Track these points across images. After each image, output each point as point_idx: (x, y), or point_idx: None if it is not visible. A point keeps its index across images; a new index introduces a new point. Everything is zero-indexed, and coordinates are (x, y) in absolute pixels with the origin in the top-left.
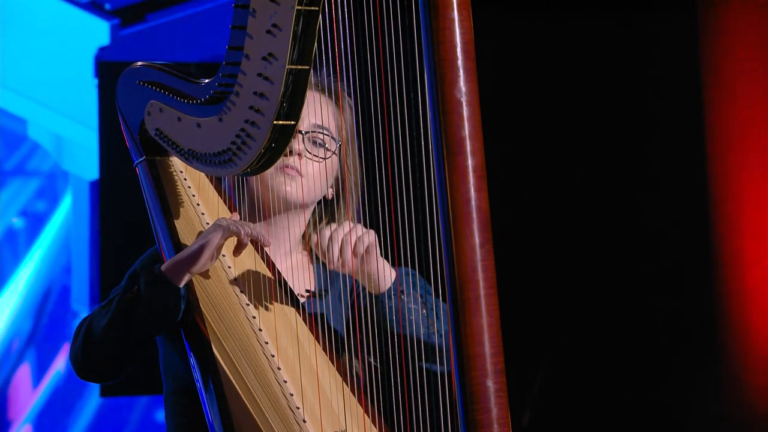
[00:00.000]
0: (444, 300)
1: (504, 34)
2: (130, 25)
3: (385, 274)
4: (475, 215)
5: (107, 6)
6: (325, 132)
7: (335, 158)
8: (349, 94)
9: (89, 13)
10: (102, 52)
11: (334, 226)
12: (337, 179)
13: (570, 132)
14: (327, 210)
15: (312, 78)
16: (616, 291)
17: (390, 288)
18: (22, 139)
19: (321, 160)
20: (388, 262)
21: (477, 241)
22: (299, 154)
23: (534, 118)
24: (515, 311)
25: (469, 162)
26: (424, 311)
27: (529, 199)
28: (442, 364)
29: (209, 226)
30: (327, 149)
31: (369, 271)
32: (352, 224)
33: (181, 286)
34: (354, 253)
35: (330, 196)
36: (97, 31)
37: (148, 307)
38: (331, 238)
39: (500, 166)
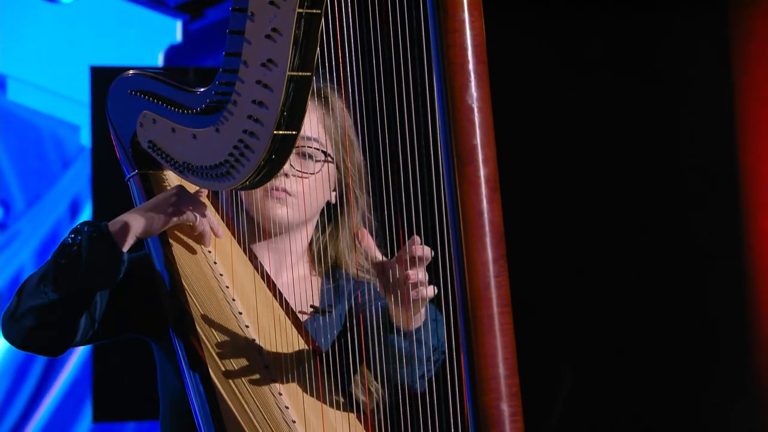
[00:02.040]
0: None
1: (519, 35)
2: (192, 22)
3: (420, 318)
4: (487, 229)
5: (170, 2)
6: (312, 145)
7: (330, 164)
8: (336, 90)
9: (157, 12)
10: (172, 51)
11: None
12: (339, 181)
13: (593, 140)
14: (333, 215)
15: None
16: (641, 305)
17: (412, 331)
18: (81, 150)
19: (310, 175)
20: None
21: (490, 256)
22: (285, 174)
23: (553, 125)
24: (531, 330)
25: (481, 172)
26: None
27: (546, 212)
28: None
29: (170, 189)
30: (317, 161)
31: (416, 310)
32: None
33: (125, 250)
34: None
35: (334, 200)
36: (167, 30)
37: (86, 263)
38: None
39: (514, 177)
